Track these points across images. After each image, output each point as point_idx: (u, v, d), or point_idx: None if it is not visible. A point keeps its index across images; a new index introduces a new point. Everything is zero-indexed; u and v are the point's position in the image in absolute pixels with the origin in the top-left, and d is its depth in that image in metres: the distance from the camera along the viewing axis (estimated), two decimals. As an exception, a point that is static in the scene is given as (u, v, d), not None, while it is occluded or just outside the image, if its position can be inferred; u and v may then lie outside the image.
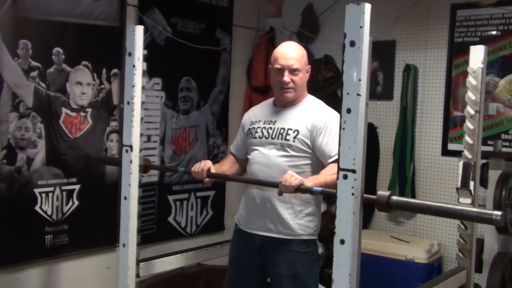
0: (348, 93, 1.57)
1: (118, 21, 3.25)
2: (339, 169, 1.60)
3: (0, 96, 2.75)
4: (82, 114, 3.13)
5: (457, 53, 3.58)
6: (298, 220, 2.34)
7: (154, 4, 3.47)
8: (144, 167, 2.50)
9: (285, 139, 2.34)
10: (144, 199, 3.17)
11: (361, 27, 1.54)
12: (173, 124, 3.67)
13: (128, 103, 2.41)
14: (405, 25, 3.79)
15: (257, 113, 2.55)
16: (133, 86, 2.39)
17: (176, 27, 3.62)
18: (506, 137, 3.43)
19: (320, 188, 2.01)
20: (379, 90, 3.91)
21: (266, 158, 2.37)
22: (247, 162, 2.49)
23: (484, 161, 3.13)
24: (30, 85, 2.88)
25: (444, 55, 3.65)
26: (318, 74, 3.95)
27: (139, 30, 2.38)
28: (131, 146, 2.41)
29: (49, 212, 2.99)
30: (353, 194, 1.57)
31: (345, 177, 1.58)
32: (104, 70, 3.21)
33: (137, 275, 2.47)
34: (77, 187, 3.12)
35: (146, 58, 2.42)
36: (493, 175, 3.12)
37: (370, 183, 3.68)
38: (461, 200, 2.38)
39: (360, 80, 1.55)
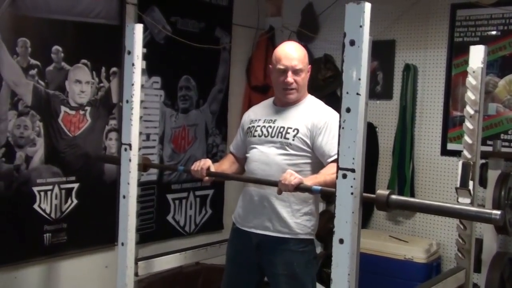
0: (347, 93, 1.57)
1: (118, 20, 3.25)
2: (338, 168, 1.59)
3: (-1, 94, 2.75)
4: (81, 112, 3.12)
5: (457, 53, 3.58)
6: (296, 219, 2.34)
7: (153, 2, 3.47)
8: (144, 166, 2.50)
9: (285, 138, 2.34)
10: (143, 197, 3.17)
11: (361, 26, 1.54)
12: (172, 123, 3.66)
13: (127, 101, 2.41)
14: (405, 24, 3.79)
15: (257, 112, 2.55)
16: (132, 84, 2.39)
17: (176, 25, 3.62)
18: (505, 137, 3.43)
19: (319, 187, 2.01)
20: (378, 89, 3.91)
21: (265, 156, 2.37)
22: (246, 161, 2.49)
23: (484, 161, 3.13)
24: (29, 83, 2.87)
25: (444, 55, 3.65)
26: (317, 74, 3.95)
27: (139, 28, 2.38)
28: (130, 145, 2.41)
29: (47, 211, 2.99)
30: (352, 193, 1.57)
31: (345, 176, 1.58)
32: (103, 69, 3.21)
33: (136, 274, 2.47)
34: (76, 185, 3.12)
35: (145, 57, 2.42)
36: (492, 175, 3.12)
37: (369, 183, 3.68)
38: (460, 200, 2.38)
39: (359, 79, 1.55)
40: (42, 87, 2.93)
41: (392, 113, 3.85)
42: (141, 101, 2.43)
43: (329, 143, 2.27)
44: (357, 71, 1.55)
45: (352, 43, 1.56)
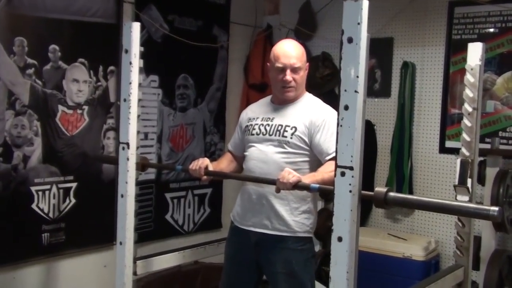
0: (345, 90, 1.57)
1: (115, 18, 3.24)
2: (336, 166, 1.59)
3: (-4, 93, 2.74)
4: (79, 111, 3.11)
5: (455, 51, 3.58)
6: (294, 217, 2.34)
7: (151, 1, 3.46)
8: (142, 166, 2.49)
9: (283, 136, 2.33)
10: (141, 197, 3.18)
11: (358, 23, 1.54)
12: (170, 122, 3.66)
13: (124, 100, 2.41)
14: (403, 22, 3.79)
15: (255, 110, 2.54)
16: (130, 83, 2.38)
17: (173, 24, 3.61)
18: (503, 134, 3.43)
19: (317, 185, 2.00)
20: (376, 87, 3.91)
21: (263, 154, 2.37)
22: (244, 159, 2.48)
23: (482, 158, 3.13)
24: (26, 83, 2.86)
25: (442, 52, 3.65)
26: (315, 72, 3.95)
27: (136, 27, 2.37)
28: (128, 144, 2.40)
29: (46, 210, 2.98)
30: (350, 191, 1.57)
31: (343, 174, 1.58)
32: (100, 68, 3.20)
33: (134, 273, 2.47)
34: (74, 185, 3.11)
35: (142, 55, 2.41)
36: (491, 172, 3.12)
37: (367, 181, 3.65)
38: (459, 197, 2.37)
39: (357, 77, 1.55)
40: (40, 86, 2.92)
41: (390, 111, 3.85)
42: (139, 100, 2.43)
43: (327, 141, 2.27)
44: (355, 68, 1.55)
45: (350, 40, 1.55)
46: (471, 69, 2.43)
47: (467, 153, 2.42)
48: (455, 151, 3.24)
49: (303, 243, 2.36)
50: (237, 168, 2.58)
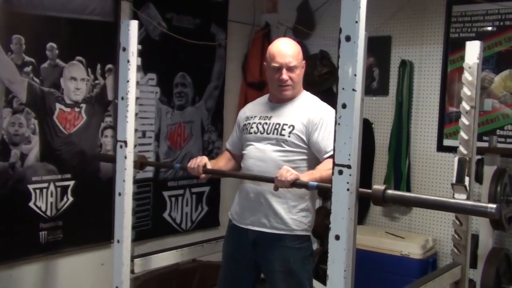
0: (343, 89, 1.57)
1: (113, 16, 3.23)
2: (334, 164, 1.59)
3: (-7, 91, 2.74)
4: (77, 109, 3.11)
5: (453, 49, 3.58)
6: (292, 215, 2.34)
7: (149, -1, 3.46)
8: (140, 164, 2.49)
9: (281, 134, 2.33)
10: (139, 195, 3.18)
11: (356, 22, 1.54)
12: (168, 120, 3.65)
13: (122, 98, 2.40)
14: (401, 20, 3.79)
15: (253, 109, 2.54)
16: (128, 81, 2.38)
17: (171, 22, 3.60)
18: (501, 133, 3.43)
19: (315, 183, 2.00)
20: (374, 85, 3.91)
21: (261, 153, 2.36)
22: (242, 158, 2.48)
23: (479, 157, 3.13)
24: (23, 81, 2.86)
25: (439, 50, 3.65)
26: (313, 70, 3.95)
27: (134, 25, 2.37)
28: (125, 142, 2.40)
29: (43, 208, 2.98)
30: (348, 189, 1.57)
31: (341, 172, 1.57)
32: (98, 66, 3.19)
33: (132, 271, 2.47)
34: (71, 183, 3.11)
35: (140, 53, 2.41)
36: (488, 171, 3.12)
37: (365, 179, 3.69)
38: (456, 195, 2.37)
39: (355, 75, 1.55)
40: (37, 84, 2.91)
41: (388, 109, 3.86)
42: (137, 98, 2.42)
43: (325, 139, 2.27)
44: (353, 67, 1.55)
45: (348, 38, 1.55)
46: (469, 67, 2.43)
47: (464, 152, 2.42)
48: (453, 149, 3.24)
49: (301, 241, 2.36)
50: (235, 166, 2.58)
